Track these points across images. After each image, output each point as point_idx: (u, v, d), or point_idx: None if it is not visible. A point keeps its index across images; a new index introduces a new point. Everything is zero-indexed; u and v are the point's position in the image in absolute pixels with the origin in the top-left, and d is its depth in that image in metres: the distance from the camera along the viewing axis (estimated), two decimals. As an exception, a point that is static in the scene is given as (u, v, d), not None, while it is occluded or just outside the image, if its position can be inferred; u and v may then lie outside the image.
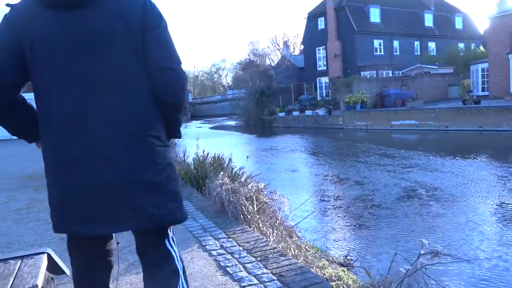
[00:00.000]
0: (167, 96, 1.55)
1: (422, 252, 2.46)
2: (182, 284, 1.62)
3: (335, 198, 8.04)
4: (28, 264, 2.08)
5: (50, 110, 1.48)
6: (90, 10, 1.43)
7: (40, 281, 1.92)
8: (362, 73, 30.47)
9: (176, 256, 1.64)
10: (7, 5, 1.50)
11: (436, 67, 30.86)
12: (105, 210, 1.49)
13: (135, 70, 1.48)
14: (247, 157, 6.09)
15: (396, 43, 34.33)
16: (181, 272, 1.63)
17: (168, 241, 1.63)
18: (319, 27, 35.29)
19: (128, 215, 1.49)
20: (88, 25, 1.43)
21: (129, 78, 1.47)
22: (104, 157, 1.45)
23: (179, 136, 1.72)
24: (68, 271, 2.41)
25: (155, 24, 1.50)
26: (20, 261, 2.12)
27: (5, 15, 1.51)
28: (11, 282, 1.87)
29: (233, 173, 5.47)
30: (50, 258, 2.24)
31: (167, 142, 1.62)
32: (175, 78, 1.55)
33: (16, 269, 2.02)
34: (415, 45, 35.73)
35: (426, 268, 2.44)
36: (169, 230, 1.65)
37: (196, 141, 6.75)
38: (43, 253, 2.22)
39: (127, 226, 1.55)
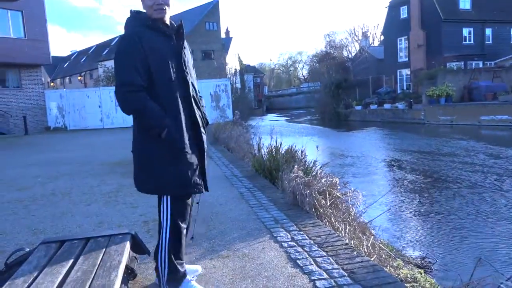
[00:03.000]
0: None
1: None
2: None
3: (420, 197, 7.57)
4: (115, 242, 2.28)
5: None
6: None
7: (125, 259, 2.10)
8: (448, 64, 28.33)
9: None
10: None
11: (536, 57, 27.69)
12: None
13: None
14: (317, 147, 6.03)
15: (488, 31, 31.34)
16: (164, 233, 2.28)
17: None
18: (402, 16, 33.43)
19: None
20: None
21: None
22: None
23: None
24: (149, 251, 2.59)
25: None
26: (108, 239, 2.33)
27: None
28: (100, 257, 2.07)
29: (307, 166, 5.44)
30: (134, 238, 2.43)
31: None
32: None
33: (105, 246, 2.22)
34: (511, 33, 32.32)
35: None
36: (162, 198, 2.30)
37: (271, 133, 6.80)
38: (128, 233, 2.41)
39: None
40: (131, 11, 2.26)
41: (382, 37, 38.66)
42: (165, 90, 2.19)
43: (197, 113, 2.33)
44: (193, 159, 2.28)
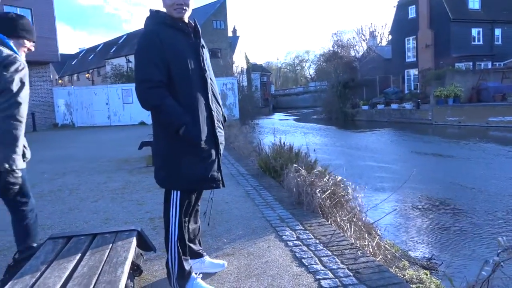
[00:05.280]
0: None
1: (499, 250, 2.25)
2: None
3: (428, 199, 7.48)
4: (122, 239, 2.29)
5: None
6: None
7: (131, 255, 2.11)
8: (456, 64, 28.10)
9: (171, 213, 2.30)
10: None
11: (547, 58, 27.38)
12: None
13: None
14: (314, 150, 6.04)
15: (498, 31, 31.01)
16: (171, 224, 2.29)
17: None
18: (410, 16, 33.22)
19: None
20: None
21: None
22: None
23: None
24: (155, 248, 2.60)
25: None
26: (115, 235, 2.35)
27: None
28: (107, 253, 2.08)
29: (311, 165, 5.43)
30: (140, 235, 2.45)
31: None
32: None
33: (112, 242, 2.24)
34: (522, 33, 31.97)
35: (502, 266, 2.23)
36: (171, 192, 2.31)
37: (276, 133, 6.80)
38: (134, 230, 2.43)
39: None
40: (150, 10, 2.29)
41: (390, 37, 38.39)
42: (183, 87, 2.20)
43: (215, 110, 2.35)
44: (210, 155, 2.30)
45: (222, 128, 2.46)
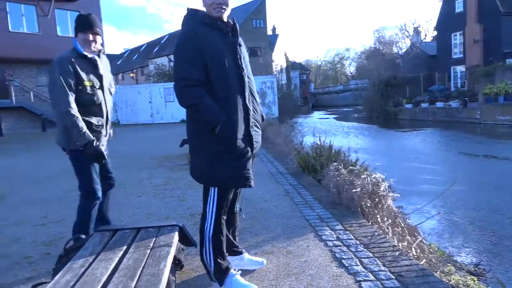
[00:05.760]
0: None
1: None
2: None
3: (477, 203, 6.99)
4: (164, 233, 2.36)
5: None
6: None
7: (173, 250, 2.17)
8: (507, 60, 26.59)
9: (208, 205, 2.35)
10: None
11: None
12: None
13: None
14: (355, 151, 5.93)
15: (555, 25, 29.06)
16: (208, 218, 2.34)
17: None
18: (457, 10, 31.76)
19: None
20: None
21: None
22: None
23: None
24: (196, 244, 2.66)
25: None
26: (158, 230, 2.42)
27: None
28: (150, 247, 2.15)
29: (351, 164, 5.33)
30: (181, 230, 2.50)
31: None
32: None
33: (155, 236, 2.31)
34: None
35: None
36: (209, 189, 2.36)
37: (315, 132, 6.73)
38: (176, 225, 2.49)
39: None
40: (188, 9, 2.32)
41: (435, 32, 36.96)
42: (221, 85, 2.22)
43: (252, 109, 2.35)
44: (245, 153, 2.30)
45: (259, 127, 2.45)
